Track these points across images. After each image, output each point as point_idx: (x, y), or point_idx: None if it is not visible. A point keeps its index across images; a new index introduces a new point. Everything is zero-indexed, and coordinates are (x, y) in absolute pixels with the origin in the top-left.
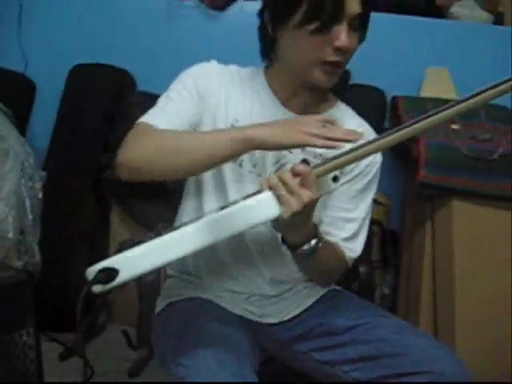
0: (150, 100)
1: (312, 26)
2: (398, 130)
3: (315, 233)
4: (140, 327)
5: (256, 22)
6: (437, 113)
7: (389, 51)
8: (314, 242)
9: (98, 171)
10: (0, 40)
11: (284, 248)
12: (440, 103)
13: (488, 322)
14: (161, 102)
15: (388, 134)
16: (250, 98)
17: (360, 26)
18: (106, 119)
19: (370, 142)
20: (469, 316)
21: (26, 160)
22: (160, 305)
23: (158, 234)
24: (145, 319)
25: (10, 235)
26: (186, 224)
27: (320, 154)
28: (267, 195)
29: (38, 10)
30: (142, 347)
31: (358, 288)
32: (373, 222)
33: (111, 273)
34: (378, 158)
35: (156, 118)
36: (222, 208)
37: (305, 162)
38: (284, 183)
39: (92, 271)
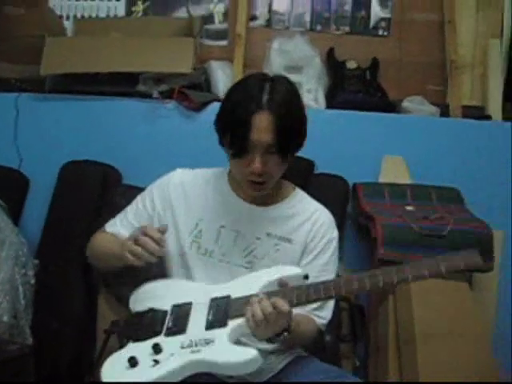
0: (133, 192)
1: (231, 152)
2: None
3: (286, 326)
4: None
5: None
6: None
7: (350, 143)
8: (285, 334)
9: (87, 258)
10: None
11: None
12: (396, 188)
13: None
14: (124, 211)
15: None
16: (213, 197)
17: (278, 151)
18: (94, 210)
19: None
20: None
21: (20, 249)
22: None
23: None
24: None
25: (5, 319)
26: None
27: (282, 236)
28: None
29: (32, 112)
30: None
31: (325, 357)
32: (341, 299)
33: None
34: (334, 234)
35: (111, 226)
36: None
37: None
38: (264, 315)
39: None
